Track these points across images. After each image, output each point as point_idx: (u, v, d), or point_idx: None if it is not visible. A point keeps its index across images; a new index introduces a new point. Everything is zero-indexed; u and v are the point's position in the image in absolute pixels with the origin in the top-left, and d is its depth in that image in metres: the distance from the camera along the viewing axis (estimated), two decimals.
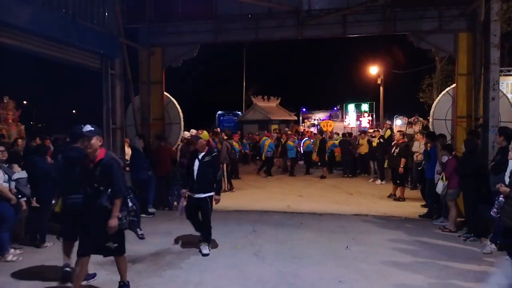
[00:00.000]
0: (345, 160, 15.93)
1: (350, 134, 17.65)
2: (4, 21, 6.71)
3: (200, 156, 6.42)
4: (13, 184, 6.37)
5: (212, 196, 6.45)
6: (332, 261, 6.09)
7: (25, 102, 47.89)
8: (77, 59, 8.94)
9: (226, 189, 12.34)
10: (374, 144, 14.05)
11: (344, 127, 25.31)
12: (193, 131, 12.09)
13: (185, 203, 6.63)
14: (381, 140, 13.70)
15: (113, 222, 4.55)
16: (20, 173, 6.63)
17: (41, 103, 46.64)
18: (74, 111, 53.28)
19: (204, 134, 5.84)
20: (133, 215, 4.82)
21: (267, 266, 5.90)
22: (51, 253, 6.52)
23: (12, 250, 6.37)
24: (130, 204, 4.80)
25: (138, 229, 4.99)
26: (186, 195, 6.57)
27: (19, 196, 6.50)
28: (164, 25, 10.65)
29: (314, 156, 16.91)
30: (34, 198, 6.71)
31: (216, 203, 6.53)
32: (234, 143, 15.09)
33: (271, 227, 8.10)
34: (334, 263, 5.98)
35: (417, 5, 9.48)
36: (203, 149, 6.46)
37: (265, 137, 17.24)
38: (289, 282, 5.28)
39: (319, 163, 16.08)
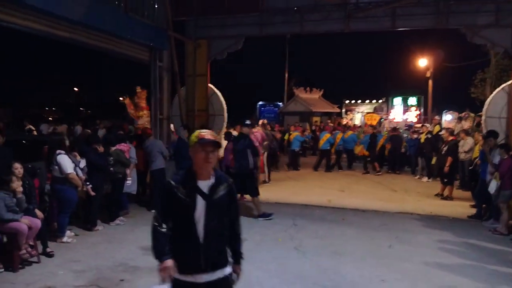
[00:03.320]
0: (394, 156, 15.28)
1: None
2: (60, 15, 7.04)
3: (205, 188, 2.80)
4: (80, 172, 6.75)
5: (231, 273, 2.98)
6: (374, 259, 6.02)
7: (76, 89, 50.35)
8: (128, 51, 9.26)
9: (267, 180, 12.44)
10: (422, 140, 13.64)
11: (389, 121, 24.67)
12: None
13: None
14: (429, 136, 13.30)
15: None
16: (83, 161, 7.03)
17: (91, 91, 48.86)
18: (121, 99, 55.16)
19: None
20: None
21: (307, 261, 5.92)
22: (102, 236, 6.96)
23: (68, 232, 6.79)
24: None
25: None
26: (172, 277, 2.74)
27: (87, 183, 6.93)
28: (210, 18, 10.82)
29: (358, 150, 16.51)
30: (90, 186, 7.04)
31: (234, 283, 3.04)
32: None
33: (311, 221, 8.10)
34: (376, 262, 5.91)
35: None
36: (209, 172, 2.83)
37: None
38: (329, 278, 5.28)
39: (369, 158, 15.43)
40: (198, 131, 2.82)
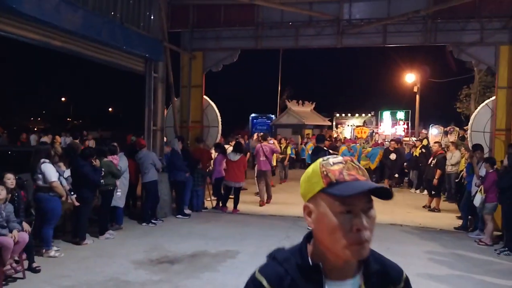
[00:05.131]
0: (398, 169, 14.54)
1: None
2: (55, 25, 6.96)
3: None
4: (64, 181, 6.69)
5: None
6: None
7: (63, 99, 49.94)
8: (123, 62, 9.24)
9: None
10: (416, 153, 13.80)
11: (379, 135, 25.02)
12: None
13: None
14: (423, 150, 13.44)
15: None
16: (67, 171, 6.99)
17: (79, 101, 48.42)
18: (110, 109, 54.90)
19: None
20: None
21: None
22: (91, 250, 6.79)
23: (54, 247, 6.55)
24: None
25: None
26: None
27: (72, 193, 6.82)
28: (206, 31, 10.92)
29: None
30: (74, 196, 6.89)
31: None
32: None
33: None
34: None
35: (459, 17, 9.43)
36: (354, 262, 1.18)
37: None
38: None
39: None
40: (320, 161, 1.24)
